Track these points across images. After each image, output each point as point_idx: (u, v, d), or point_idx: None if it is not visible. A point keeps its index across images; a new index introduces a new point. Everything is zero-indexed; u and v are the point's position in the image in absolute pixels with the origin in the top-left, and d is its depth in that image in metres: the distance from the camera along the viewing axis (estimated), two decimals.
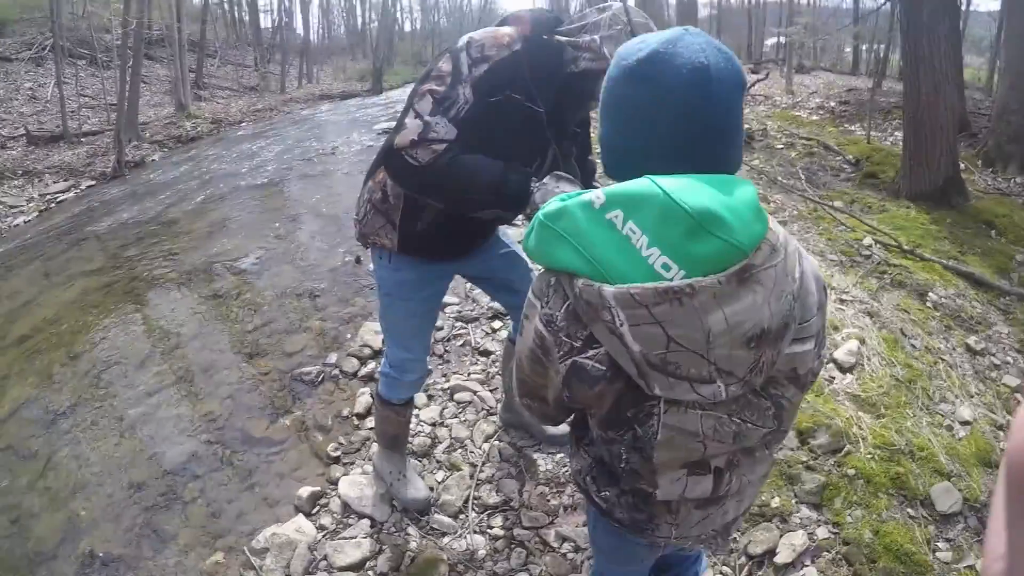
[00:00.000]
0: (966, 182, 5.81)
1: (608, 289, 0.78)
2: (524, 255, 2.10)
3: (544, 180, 1.53)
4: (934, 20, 5.11)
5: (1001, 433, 2.78)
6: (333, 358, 3.26)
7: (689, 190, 0.77)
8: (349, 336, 3.48)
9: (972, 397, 2.96)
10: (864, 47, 19.76)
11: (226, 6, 23.97)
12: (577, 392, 0.90)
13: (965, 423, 2.73)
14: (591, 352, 0.85)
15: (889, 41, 11.02)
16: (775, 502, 2.27)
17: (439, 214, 1.76)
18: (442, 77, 1.55)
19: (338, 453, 2.62)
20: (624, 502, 1.05)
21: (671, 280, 0.76)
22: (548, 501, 2.34)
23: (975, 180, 6.43)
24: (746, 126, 7.15)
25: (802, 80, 12.77)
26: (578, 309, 0.83)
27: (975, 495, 2.40)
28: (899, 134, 7.66)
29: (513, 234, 2.40)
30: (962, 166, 5.92)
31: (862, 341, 3.08)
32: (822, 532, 2.20)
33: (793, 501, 2.30)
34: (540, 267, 0.92)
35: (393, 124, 1.68)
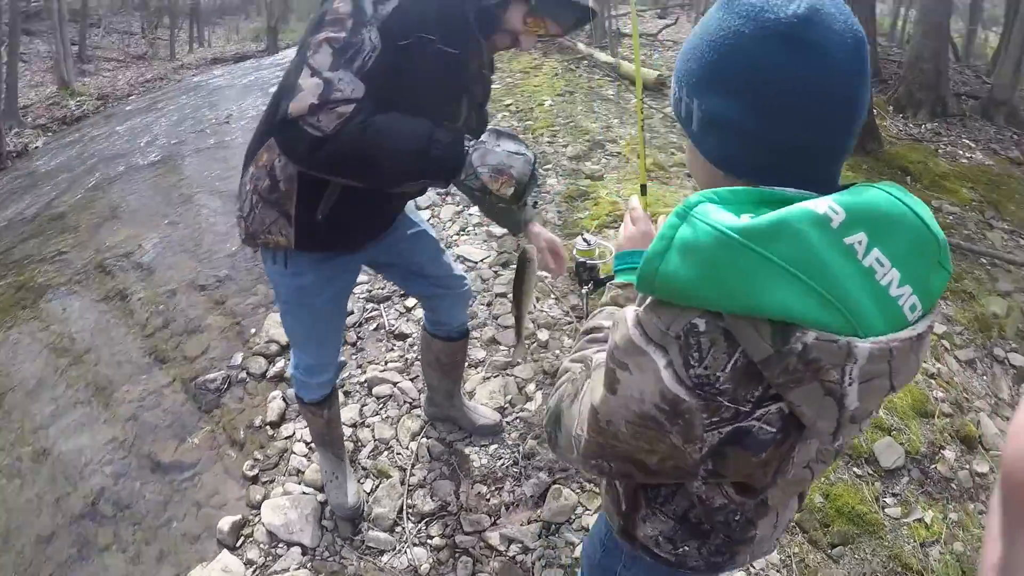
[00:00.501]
0: (879, 128, 6.03)
1: (863, 345, 0.59)
2: (431, 231, 1.98)
3: (482, 138, 1.35)
4: None
5: (933, 381, 2.88)
6: (238, 359, 3.00)
7: (919, 207, 0.65)
8: (253, 331, 3.22)
9: None
10: None
11: None
12: (733, 463, 0.69)
13: None
14: (759, 412, 0.65)
15: None
16: None
17: (344, 196, 1.53)
18: (341, 21, 1.30)
19: (255, 471, 2.39)
20: (706, 551, 0.91)
21: (913, 323, 0.64)
22: (487, 500, 2.22)
23: (887, 126, 6.71)
24: (657, 73, 7.23)
25: None
26: (771, 368, 0.61)
27: (915, 447, 2.47)
28: None
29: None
30: (874, 112, 6.13)
31: None
32: None
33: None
34: (674, 303, 0.64)
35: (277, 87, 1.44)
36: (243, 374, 2.91)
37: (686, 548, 0.91)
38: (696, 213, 0.62)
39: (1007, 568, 0.38)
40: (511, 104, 6.71)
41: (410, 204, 1.98)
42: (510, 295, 1.69)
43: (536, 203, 1.80)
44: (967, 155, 6.40)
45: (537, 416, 2.51)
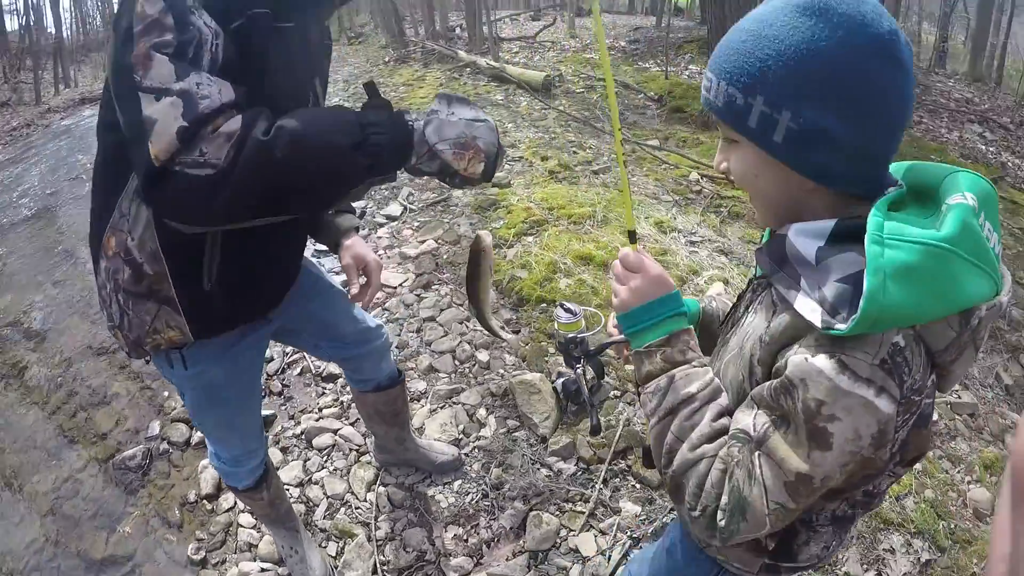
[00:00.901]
0: None
1: (1004, 298, 0.72)
2: (337, 285, 1.78)
3: (431, 107, 1.10)
4: None
5: None
6: (156, 428, 2.74)
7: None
8: (167, 394, 2.93)
9: None
10: None
11: None
12: (914, 444, 0.78)
13: None
14: (928, 391, 0.74)
15: None
16: None
17: (228, 252, 1.26)
18: (156, 22, 0.96)
19: (202, 553, 2.14)
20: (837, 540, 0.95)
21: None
22: (465, 541, 2.08)
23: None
24: (542, 73, 7.31)
25: (583, 23, 13.29)
26: (951, 350, 0.72)
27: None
28: (693, 67, 8.23)
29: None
30: None
31: (726, 282, 3.15)
32: None
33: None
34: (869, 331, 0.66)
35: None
36: (164, 445, 2.65)
37: (833, 544, 0.93)
38: (893, 235, 0.65)
39: (1016, 559, 0.39)
40: None
41: (309, 259, 1.75)
42: (465, 296, 1.52)
43: (359, 212, 1.67)
44: None
45: (495, 443, 2.39)
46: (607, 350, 1.12)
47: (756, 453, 0.74)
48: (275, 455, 2.46)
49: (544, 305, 3.07)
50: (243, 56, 1.06)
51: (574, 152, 5.15)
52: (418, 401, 2.66)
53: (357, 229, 1.64)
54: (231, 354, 1.46)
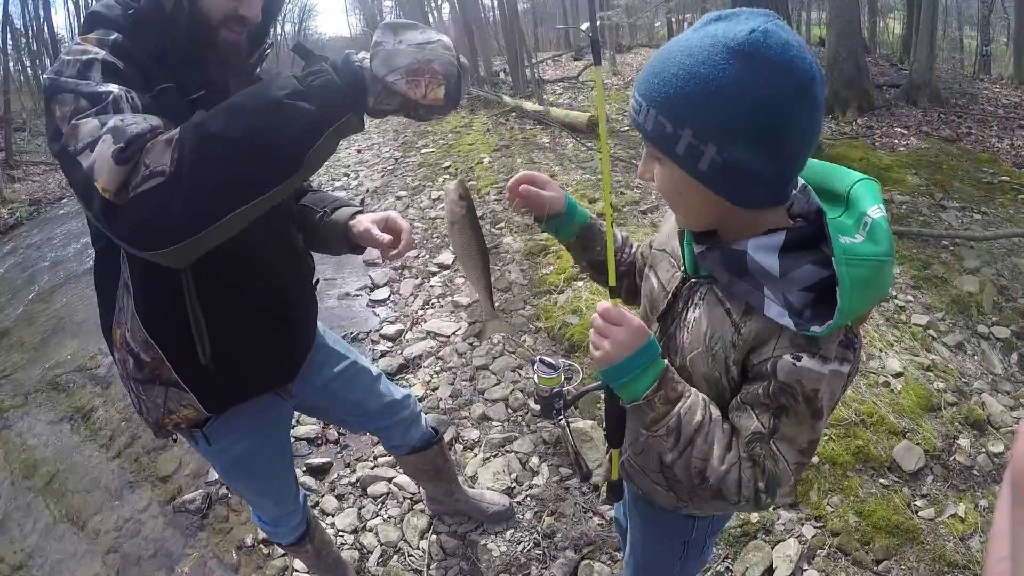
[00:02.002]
0: None
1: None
2: (361, 360, 1.84)
3: (375, 39, 1.04)
4: None
5: (931, 374, 3.00)
6: (215, 473, 2.91)
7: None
8: None
9: (892, 346, 3.18)
10: (674, 19, 21.49)
11: (29, 71, 21.65)
12: None
13: (898, 375, 2.92)
14: None
15: (703, 10, 12.11)
16: (754, 516, 2.27)
17: (218, 321, 1.30)
18: (72, 108, 1.02)
19: None
20: None
21: None
22: None
23: (821, 130, 7.12)
24: (586, 114, 7.53)
25: (624, 59, 13.60)
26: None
27: (931, 444, 2.56)
28: None
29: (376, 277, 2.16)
30: None
31: None
32: (808, 531, 2.23)
33: (771, 508, 2.31)
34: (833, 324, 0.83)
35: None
36: (223, 490, 2.82)
37: None
38: (851, 255, 0.81)
39: (1016, 561, 0.39)
40: (450, 166, 6.88)
41: (332, 334, 1.83)
42: (458, 265, 1.35)
43: (329, 209, 1.58)
44: (903, 142, 6.83)
45: (547, 491, 2.50)
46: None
47: (772, 441, 0.92)
48: (330, 502, 2.60)
49: None
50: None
51: (621, 192, 5.30)
52: (471, 449, 2.79)
53: (361, 211, 1.58)
54: (255, 427, 1.54)
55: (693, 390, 0.97)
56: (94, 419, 3.55)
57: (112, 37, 1.15)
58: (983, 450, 2.62)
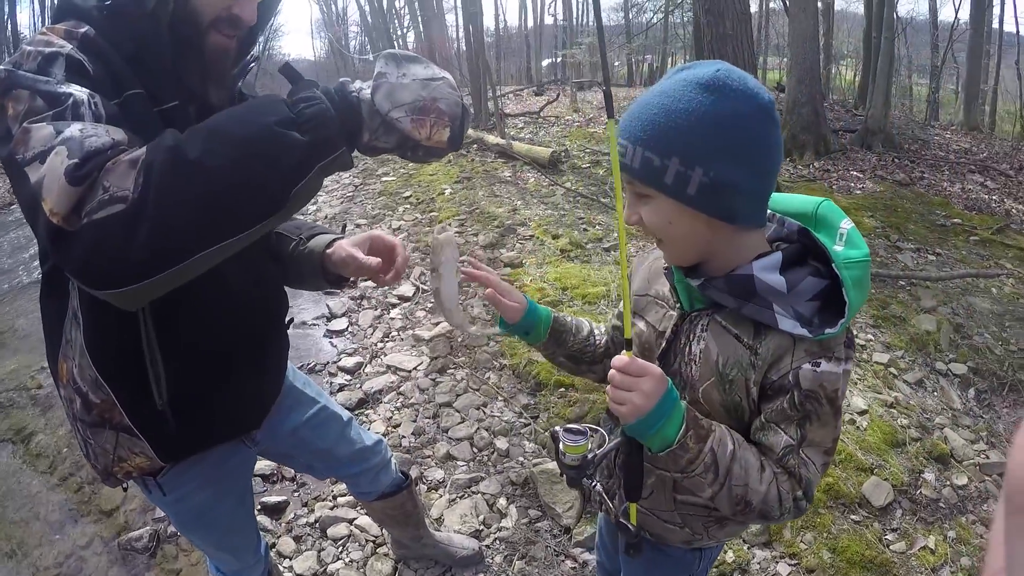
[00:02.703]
0: None
1: None
2: (331, 405, 1.77)
3: (378, 69, 0.98)
4: (738, 30, 5.84)
5: (894, 410, 3.10)
6: None
7: None
8: None
9: (856, 384, 3.29)
10: (634, 59, 22.28)
11: None
12: None
13: (863, 412, 3.01)
14: None
15: (663, 51, 12.56)
16: (729, 556, 2.29)
17: (174, 360, 1.19)
18: (26, 108, 0.93)
19: None
20: None
21: None
22: None
23: (779, 172, 7.41)
24: (548, 149, 7.68)
25: (584, 97, 13.93)
26: None
27: (899, 479, 2.64)
28: None
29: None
30: None
31: None
32: (784, 569, 2.26)
33: (745, 548, 2.34)
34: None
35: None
36: (172, 528, 2.67)
37: None
38: (847, 260, 0.94)
39: (1010, 572, 0.40)
40: (410, 196, 6.89)
41: (302, 375, 1.72)
42: (433, 300, 1.24)
43: (305, 237, 1.47)
44: (859, 186, 7.17)
45: (517, 534, 2.48)
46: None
47: (801, 451, 1.00)
48: (288, 544, 2.52)
49: (563, 389, 3.20)
50: (132, 133, 0.98)
51: (584, 229, 5.39)
52: (436, 490, 2.75)
53: (341, 238, 1.45)
54: (214, 477, 1.44)
55: (714, 423, 1.01)
56: (34, 443, 3.38)
57: (83, 30, 1.04)
58: (948, 483, 2.72)
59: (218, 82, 1.18)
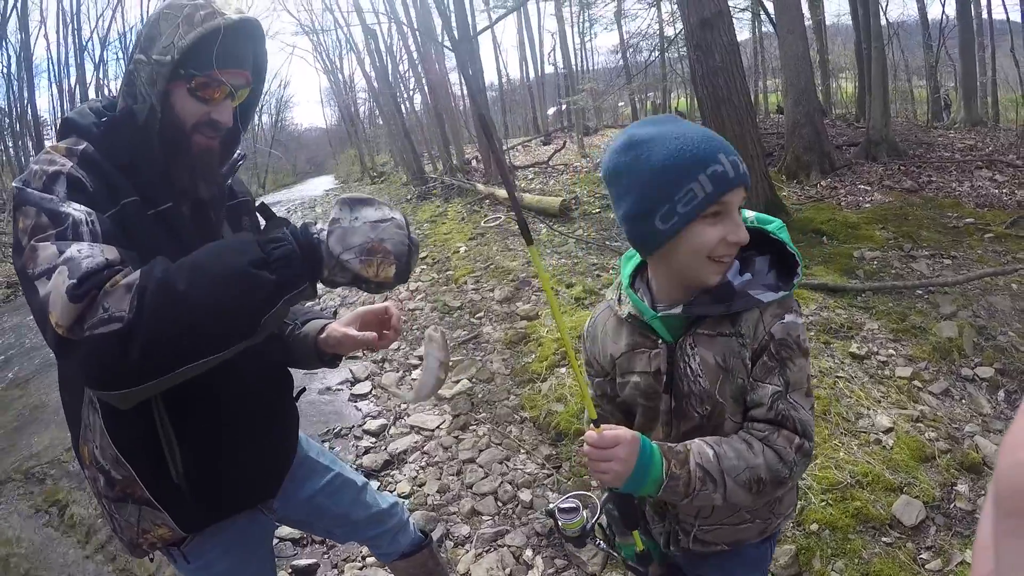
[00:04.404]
0: (781, 199, 6.64)
1: None
2: (345, 471, 1.82)
3: (331, 215, 1.10)
4: (727, 61, 5.92)
5: (921, 425, 3.01)
6: None
7: None
8: None
9: (880, 402, 3.20)
10: (638, 98, 22.54)
11: (11, 152, 21.71)
12: None
13: (888, 430, 2.93)
14: None
15: (664, 88, 12.74)
16: None
17: (187, 437, 1.28)
18: (35, 227, 1.06)
19: None
20: None
21: None
22: None
23: (786, 195, 7.37)
24: (558, 198, 7.75)
25: (591, 141, 14.10)
26: None
27: (930, 495, 2.55)
28: None
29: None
30: (771, 185, 6.77)
31: None
32: None
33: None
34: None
35: None
36: None
37: None
38: (777, 233, 1.17)
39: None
40: (426, 256, 7.00)
41: (316, 445, 1.80)
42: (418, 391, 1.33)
43: (300, 323, 1.55)
44: (868, 199, 7.08)
45: None
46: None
47: (788, 396, 1.11)
48: None
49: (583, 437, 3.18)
50: (128, 239, 1.12)
51: (597, 276, 5.41)
52: (462, 546, 2.73)
53: (332, 322, 1.55)
54: (235, 544, 1.50)
55: (688, 442, 1.12)
56: (69, 514, 3.44)
57: (81, 147, 1.18)
58: (982, 492, 2.61)
59: (207, 179, 1.31)
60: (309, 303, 1.15)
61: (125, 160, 1.20)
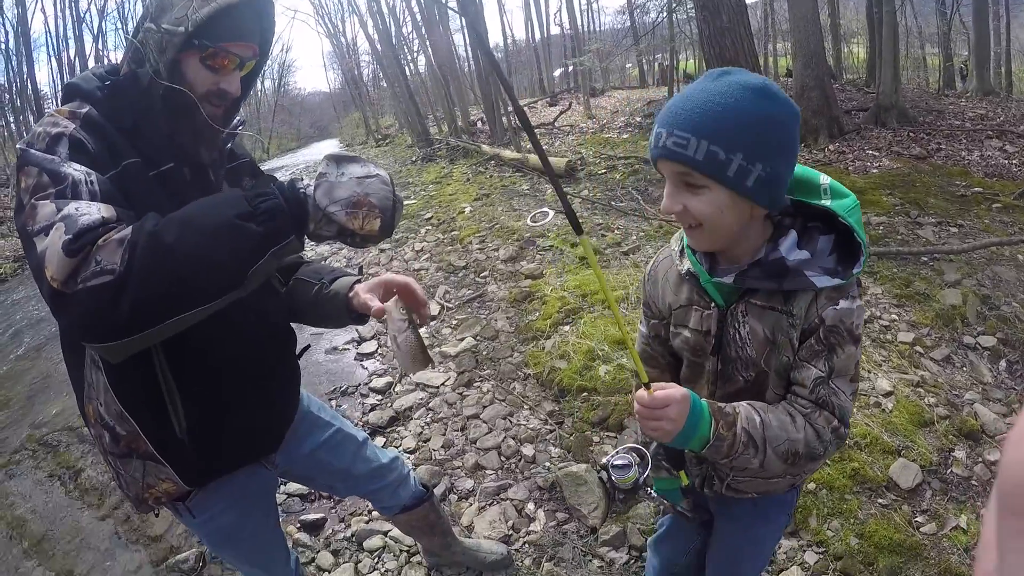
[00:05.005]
0: None
1: None
2: (346, 426, 1.85)
3: (319, 170, 1.13)
4: (735, 22, 5.79)
5: (921, 389, 3.02)
6: None
7: None
8: None
9: (880, 366, 3.21)
10: (645, 60, 22.13)
11: (13, 127, 21.63)
12: None
13: (888, 394, 2.94)
14: None
15: (672, 49, 12.51)
16: None
17: (189, 391, 1.31)
18: (35, 185, 1.08)
19: None
20: None
21: None
22: None
23: None
24: (564, 159, 7.68)
25: (598, 103, 13.91)
26: None
27: (927, 459, 2.57)
28: None
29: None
30: None
31: None
32: (811, 557, 2.22)
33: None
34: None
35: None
36: None
37: None
38: (844, 213, 1.07)
39: (1003, 573, 0.39)
40: (431, 217, 6.97)
41: (317, 401, 1.81)
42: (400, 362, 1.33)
43: (327, 281, 1.55)
44: (875, 164, 7.00)
45: (545, 537, 2.48)
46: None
47: (830, 382, 1.11)
48: (326, 558, 2.57)
49: (585, 394, 3.20)
50: (128, 199, 1.14)
51: (603, 235, 5.38)
52: (466, 500, 2.77)
53: (360, 279, 1.55)
54: (239, 498, 1.53)
55: (737, 404, 1.13)
56: (83, 479, 3.51)
57: (85, 110, 1.20)
58: (980, 460, 2.63)
59: (209, 144, 1.33)
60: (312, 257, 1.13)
61: (128, 123, 1.23)
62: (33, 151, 1.11)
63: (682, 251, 1.26)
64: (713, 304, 1.21)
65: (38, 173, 1.09)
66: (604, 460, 1.32)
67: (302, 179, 1.14)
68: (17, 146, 1.15)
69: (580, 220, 4.56)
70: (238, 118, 1.42)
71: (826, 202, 1.10)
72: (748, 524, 1.45)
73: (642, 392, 1.09)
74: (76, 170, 1.10)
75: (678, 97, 1.05)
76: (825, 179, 1.12)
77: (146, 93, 1.23)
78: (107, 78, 1.27)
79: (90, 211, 1.04)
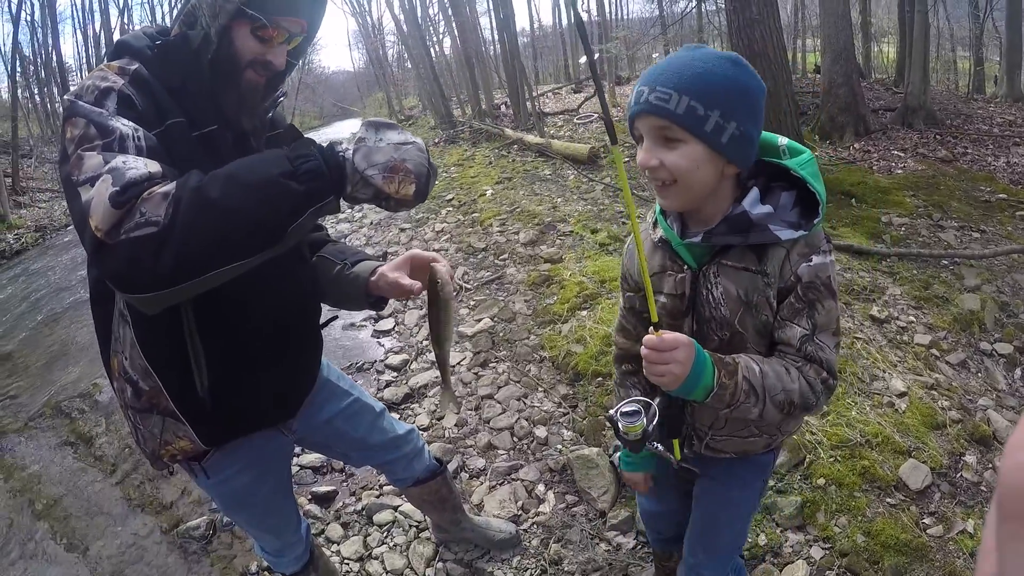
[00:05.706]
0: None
1: None
2: (363, 396, 1.86)
3: (358, 135, 1.15)
4: (764, 14, 5.70)
5: (935, 392, 3.00)
6: None
7: None
8: None
9: (896, 366, 3.18)
10: (672, 50, 21.83)
11: (37, 99, 21.87)
12: None
13: (902, 394, 2.92)
14: None
15: (699, 40, 12.32)
16: (761, 539, 2.26)
17: (213, 351, 1.32)
18: (82, 136, 1.09)
19: None
20: None
21: None
22: None
23: (819, 155, 7.19)
24: (587, 146, 7.63)
25: (623, 91, 13.74)
26: None
27: (938, 461, 2.55)
28: None
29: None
30: (804, 144, 6.60)
31: None
32: (817, 552, 2.22)
33: (778, 531, 2.31)
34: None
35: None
36: (227, 517, 2.80)
37: None
38: (800, 166, 1.14)
39: None
40: (452, 199, 6.96)
41: (336, 370, 1.84)
42: (428, 338, 1.39)
43: (350, 262, 1.56)
44: (900, 165, 6.89)
45: (553, 518, 2.51)
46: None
47: (815, 338, 1.16)
48: (336, 530, 2.61)
49: (600, 379, 3.20)
50: (171, 157, 1.15)
51: (623, 223, 5.35)
52: (477, 478, 2.80)
53: (381, 264, 1.55)
54: (254, 462, 1.55)
55: (737, 355, 1.17)
56: (97, 445, 3.57)
57: (134, 67, 1.21)
58: (990, 466, 2.61)
59: (250, 112, 1.35)
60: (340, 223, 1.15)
61: (176, 83, 1.24)
62: (81, 103, 1.12)
63: (656, 223, 1.31)
64: (686, 267, 1.25)
65: (86, 124, 1.10)
66: (611, 411, 1.30)
67: (341, 143, 1.16)
68: (64, 96, 1.16)
69: (602, 207, 4.53)
70: (280, 91, 1.44)
71: (785, 161, 1.16)
72: (724, 485, 1.48)
73: (651, 335, 1.13)
74: (124, 125, 1.11)
75: (659, 63, 1.12)
76: (783, 140, 1.19)
77: (195, 55, 1.25)
78: (158, 38, 1.28)
79: (137, 165, 1.05)
